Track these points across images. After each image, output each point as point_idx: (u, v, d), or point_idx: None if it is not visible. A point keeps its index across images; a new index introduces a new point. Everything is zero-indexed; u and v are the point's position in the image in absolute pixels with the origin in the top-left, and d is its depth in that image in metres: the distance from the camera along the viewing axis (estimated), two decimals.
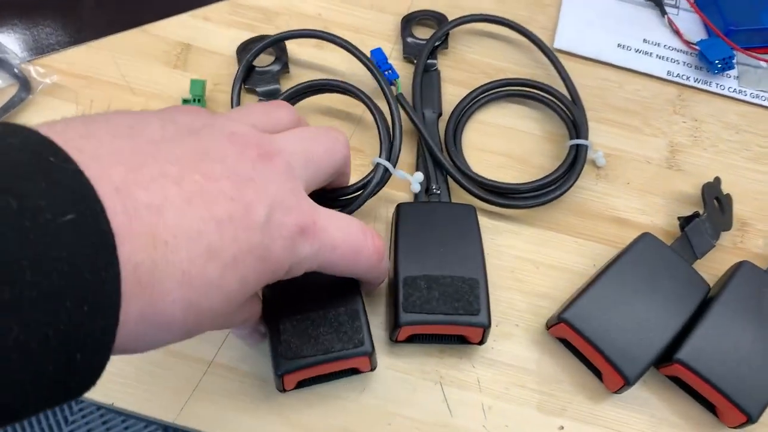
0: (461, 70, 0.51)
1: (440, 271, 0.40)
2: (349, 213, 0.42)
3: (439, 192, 0.45)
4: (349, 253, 0.32)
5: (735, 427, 0.40)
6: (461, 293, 0.39)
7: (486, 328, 0.39)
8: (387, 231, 0.45)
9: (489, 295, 0.40)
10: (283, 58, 0.49)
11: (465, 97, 0.49)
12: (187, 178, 0.24)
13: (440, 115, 0.49)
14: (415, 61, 0.50)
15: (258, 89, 0.48)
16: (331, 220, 0.31)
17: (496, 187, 0.45)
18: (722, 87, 0.52)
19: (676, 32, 0.54)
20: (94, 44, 0.50)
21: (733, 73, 0.52)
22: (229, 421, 0.39)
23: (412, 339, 0.41)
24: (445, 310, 0.39)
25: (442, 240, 0.41)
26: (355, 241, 0.32)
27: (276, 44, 0.49)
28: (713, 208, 0.46)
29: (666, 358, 0.40)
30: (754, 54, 0.52)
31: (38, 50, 0.49)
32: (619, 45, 0.53)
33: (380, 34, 0.52)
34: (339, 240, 0.31)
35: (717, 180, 0.47)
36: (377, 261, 0.34)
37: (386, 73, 0.48)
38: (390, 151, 0.44)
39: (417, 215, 0.43)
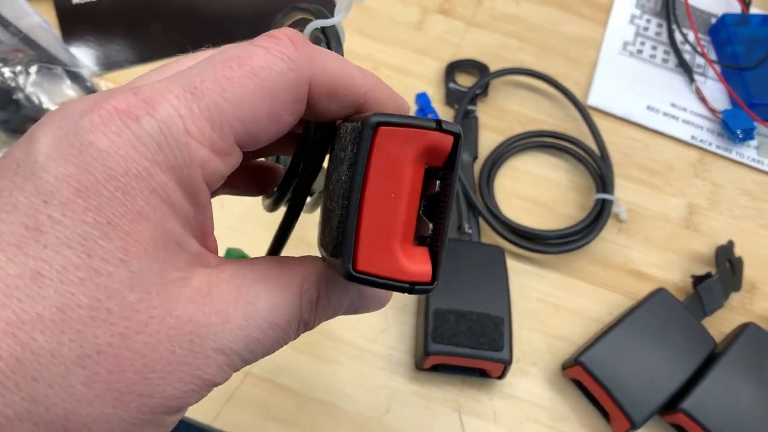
0: (498, 118, 0.55)
1: (469, 307, 0.43)
2: None
3: (470, 232, 0.48)
4: None
5: None
6: (487, 329, 0.42)
7: (507, 364, 0.42)
8: None
9: (512, 333, 0.43)
10: None
11: (500, 144, 0.53)
12: None
13: (476, 158, 0.52)
14: (456, 107, 0.54)
15: None
16: None
17: (524, 232, 0.48)
18: (742, 155, 0.55)
19: (703, 100, 0.57)
20: (159, 64, 0.54)
21: (753, 143, 0.56)
22: (261, 429, 0.42)
23: (436, 368, 0.44)
24: (471, 344, 0.42)
25: (472, 277, 0.45)
26: None
27: None
28: (725, 270, 0.49)
29: (670, 406, 0.43)
30: None
31: (108, 66, 0.53)
32: (648, 107, 0.56)
33: (424, 78, 0.56)
34: None
35: (730, 243, 0.50)
36: None
37: (429, 115, 0.52)
38: None
39: (449, 252, 0.46)
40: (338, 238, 0.19)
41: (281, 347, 0.21)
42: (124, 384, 0.17)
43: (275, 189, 0.27)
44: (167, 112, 0.18)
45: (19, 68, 0.47)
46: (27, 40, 0.50)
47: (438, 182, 0.19)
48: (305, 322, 0.21)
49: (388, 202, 0.19)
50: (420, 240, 0.20)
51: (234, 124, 0.19)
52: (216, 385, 0.19)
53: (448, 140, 0.19)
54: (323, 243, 0.21)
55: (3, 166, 0.18)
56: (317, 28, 0.24)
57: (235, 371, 0.20)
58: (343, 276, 0.19)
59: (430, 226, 0.19)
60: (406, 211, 0.19)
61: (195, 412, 0.42)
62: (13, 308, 0.16)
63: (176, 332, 0.18)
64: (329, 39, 0.24)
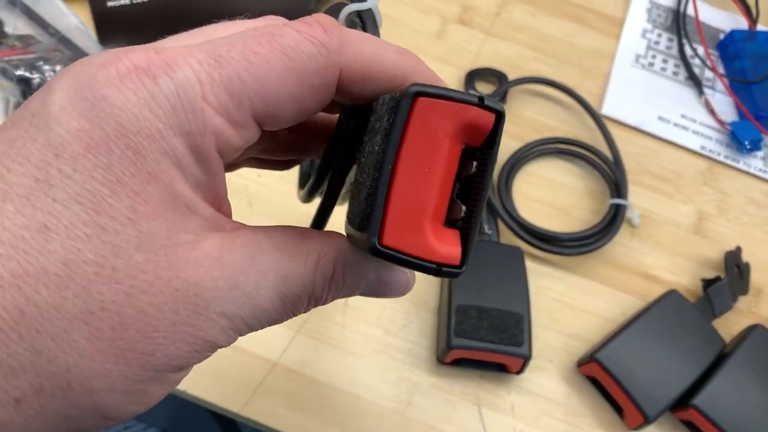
0: (515, 125, 0.57)
1: (490, 304, 0.45)
2: None
3: (490, 232, 0.50)
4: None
5: None
6: (508, 325, 0.44)
7: (527, 359, 0.44)
8: None
9: (531, 330, 0.45)
10: None
11: (518, 149, 0.55)
12: None
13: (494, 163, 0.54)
14: None
15: None
16: None
17: (541, 234, 0.50)
18: (749, 165, 0.57)
19: (711, 112, 0.59)
20: None
21: (760, 154, 0.58)
22: (287, 418, 0.44)
23: (456, 362, 0.46)
24: (492, 339, 0.43)
25: (492, 276, 0.46)
26: None
27: None
28: (733, 274, 0.51)
29: (681, 403, 0.45)
30: None
31: None
32: (659, 117, 0.58)
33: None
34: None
35: (738, 249, 0.52)
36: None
37: None
38: None
39: None
40: (366, 211, 0.18)
41: (290, 318, 0.21)
42: (126, 341, 0.17)
43: (310, 179, 0.26)
44: (186, 75, 0.18)
45: (59, 67, 0.49)
46: (64, 41, 0.52)
47: (475, 163, 0.18)
48: (317, 298, 0.21)
49: (422, 177, 0.18)
50: (451, 223, 0.19)
51: (253, 99, 0.18)
52: (219, 347, 0.19)
53: (490, 118, 0.18)
54: (350, 217, 0.20)
55: (20, 116, 0.18)
56: (353, 12, 0.24)
57: (240, 335, 0.20)
58: (367, 250, 0.18)
59: (464, 209, 0.19)
60: (440, 189, 0.18)
61: (224, 400, 0.44)
62: (19, 260, 0.16)
63: (182, 294, 0.18)
64: (365, 22, 0.23)
